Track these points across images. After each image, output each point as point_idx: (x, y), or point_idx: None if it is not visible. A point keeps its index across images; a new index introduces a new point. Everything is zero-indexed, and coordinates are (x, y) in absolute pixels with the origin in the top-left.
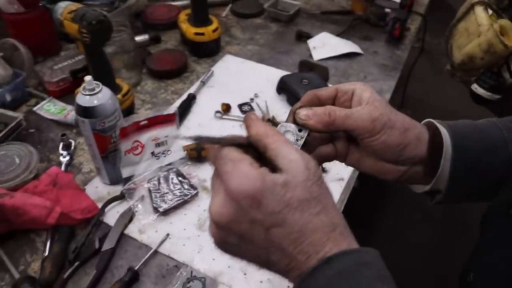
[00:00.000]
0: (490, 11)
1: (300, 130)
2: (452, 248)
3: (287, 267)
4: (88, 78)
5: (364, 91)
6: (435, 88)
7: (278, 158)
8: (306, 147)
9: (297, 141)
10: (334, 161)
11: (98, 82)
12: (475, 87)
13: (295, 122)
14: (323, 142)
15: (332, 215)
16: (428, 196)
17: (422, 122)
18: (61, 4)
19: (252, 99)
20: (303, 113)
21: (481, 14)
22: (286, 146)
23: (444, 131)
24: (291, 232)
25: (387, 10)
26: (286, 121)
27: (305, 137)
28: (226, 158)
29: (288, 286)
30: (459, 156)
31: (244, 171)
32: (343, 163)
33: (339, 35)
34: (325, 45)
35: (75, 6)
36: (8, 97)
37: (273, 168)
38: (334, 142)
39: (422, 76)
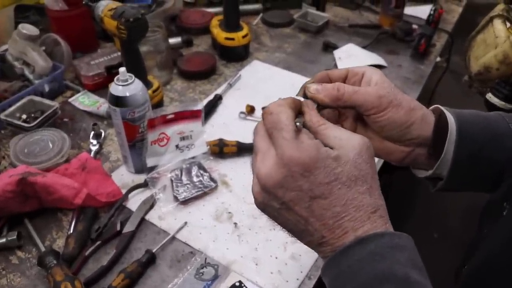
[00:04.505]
0: (508, 24)
1: None
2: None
3: (321, 239)
4: (122, 69)
5: (374, 73)
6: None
7: (329, 139)
8: None
9: None
10: None
11: (131, 74)
12: (489, 96)
13: (305, 96)
14: (331, 122)
15: (376, 197)
16: (431, 182)
17: (430, 108)
18: (102, 2)
19: None
20: (313, 87)
21: (499, 27)
22: (337, 129)
23: (450, 116)
24: (335, 205)
25: (414, 26)
26: (297, 95)
27: None
28: (286, 126)
29: (298, 279)
30: (463, 141)
31: (300, 140)
32: None
33: (365, 47)
34: (350, 56)
35: (115, 4)
36: (47, 88)
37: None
38: (341, 122)
39: (450, 97)
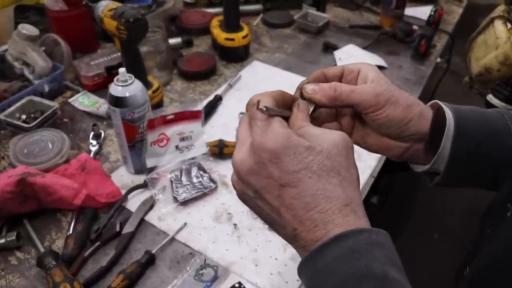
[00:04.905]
0: (509, 25)
1: None
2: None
3: (294, 231)
4: (122, 70)
5: (370, 70)
6: None
7: (305, 136)
8: (312, 123)
9: None
10: None
11: (131, 75)
12: (490, 97)
13: (302, 97)
14: (329, 119)
15: (349, 190)
16: (428, 177)
17: (428, 104)
18: (103, 3)
19: None
20: (310, 87)
21: (500, 28)
22: (315, 128)
23: (448, 111)
24: (304, 195)
25: (415, 27)
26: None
27: (310, 111)
28: (261, 116)
29: (297, 280)
30: (460, 137)
31: (271, 128)
32: None
33: (365, 48)
34: (350, 57)
35: (115, 4)
36: (46, 88)
37: None
38: (339, 119)
39: (450, 98)
